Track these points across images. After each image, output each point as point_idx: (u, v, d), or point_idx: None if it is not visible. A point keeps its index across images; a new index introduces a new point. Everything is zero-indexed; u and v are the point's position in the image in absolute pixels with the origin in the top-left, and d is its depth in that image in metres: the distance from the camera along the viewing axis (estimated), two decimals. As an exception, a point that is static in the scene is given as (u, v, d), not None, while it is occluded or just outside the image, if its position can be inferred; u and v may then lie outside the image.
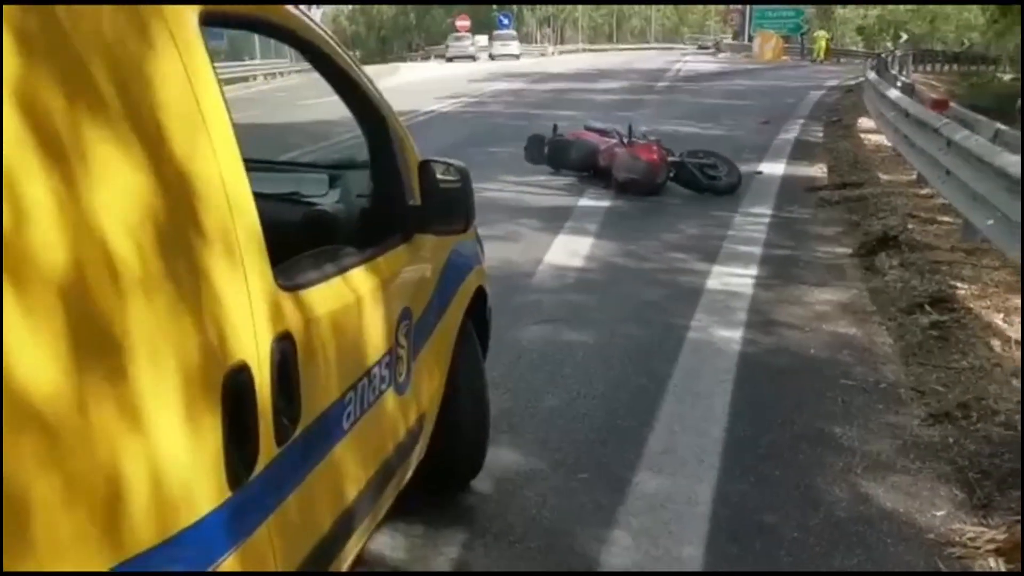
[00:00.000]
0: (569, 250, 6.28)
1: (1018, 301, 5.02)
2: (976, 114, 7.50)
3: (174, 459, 1.24)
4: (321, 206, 2.51)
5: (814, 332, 4.62)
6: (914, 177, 8.62)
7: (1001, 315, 4.81)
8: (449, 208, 2.34)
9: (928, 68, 33.43)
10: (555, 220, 7.19)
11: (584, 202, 7.95)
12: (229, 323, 1.40)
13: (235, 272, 1.45)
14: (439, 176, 2.35)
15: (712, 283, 5.47)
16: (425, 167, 2.33)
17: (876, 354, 4.31)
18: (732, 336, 4.55)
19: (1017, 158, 4.64)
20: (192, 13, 1.47)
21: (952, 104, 7.58)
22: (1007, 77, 29.26)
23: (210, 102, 1.45)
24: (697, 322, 4.76)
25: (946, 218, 7.11)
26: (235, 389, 1.38)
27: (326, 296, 1.83)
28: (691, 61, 37.97)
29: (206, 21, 1.50)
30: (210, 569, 1.33)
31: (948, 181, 6.24)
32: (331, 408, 1.81)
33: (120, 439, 1.14)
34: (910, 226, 6.83)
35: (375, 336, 2.09)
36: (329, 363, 1.80)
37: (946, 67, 36.03)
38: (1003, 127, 6.27)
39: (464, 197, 2.35)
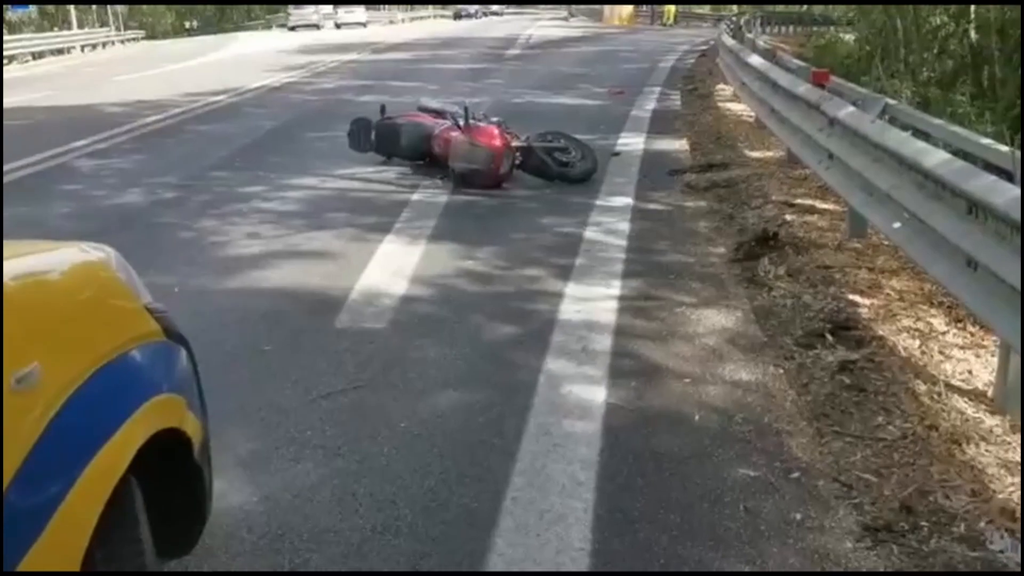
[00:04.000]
0: (393, 267, 5.02)
1: (933, 320, 4.12)
2: (852, 84, 6.66)
3: None
4: None
5: (696, 384, 3.55)
6: (783, 154, 7.79)
7: (917, 342, 3.88)
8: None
9: (775, 31, 33.66)
10: (379, 224, 5.91)
11: (418, 197, 6.69)
12: None
13: None
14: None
15: (568, 310, 4.33)
16: None
17: (778, 418, 3.27)
18: (592, 399, 3.42)
19: (933, 150, 3.69)
20: None
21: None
22: (848, 37, 29.75)
23: None
24: (548, 377, 3.61)
25: (826, 205, 6.26)
26: None
27: None
28: (543, 26, 36.98)
29: None
30: None
31: (833, 167, 5.33)
32: None
33: None
34: (788, 217, 5.92)
35: None
36: None
37: (789, 29, 36.44)
38: (891, 101, 5.40)
39: None
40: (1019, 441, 2.99)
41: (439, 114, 7.83)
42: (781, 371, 3.66)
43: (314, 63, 19.15)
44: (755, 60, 8.84)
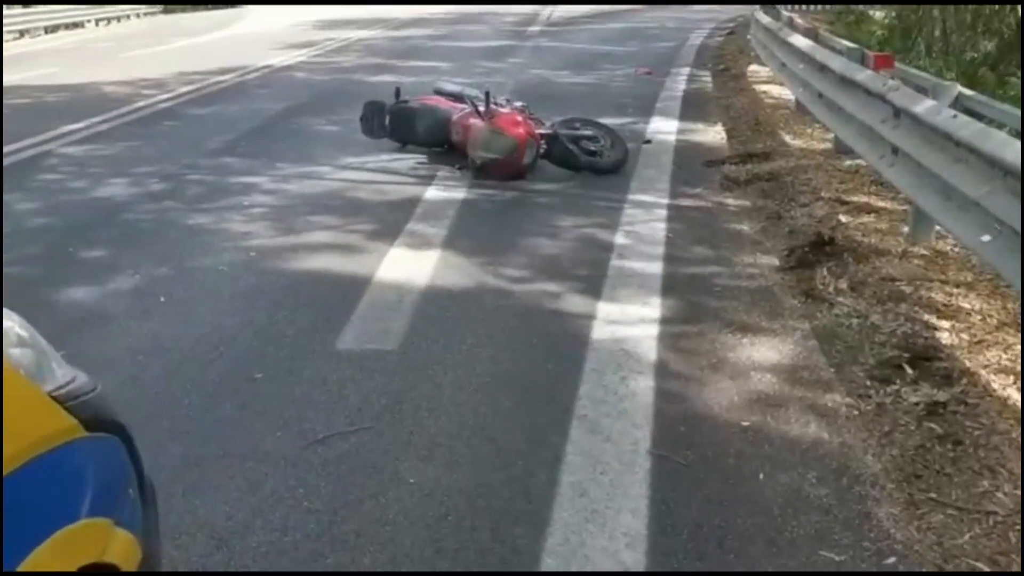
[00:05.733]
0: (404, 276, 4.49)
1: (1025, 349, 3.56)
2: (915, 70, 6.04)
3: None
4: None
5: (756, 431, 3.02)
6: (830, 144, 7.19)
7: (1011, 379, 3.33)
8: None
9: (803, 7, 32.73)
10: (391, 223, 5.38)
11: (432, 192, 6.14)
12: None
13: None
14: None
15: (600, 335, 3.78)
16: None
17: (859, 478, 2.73)
18: (635, 448, 2.90)
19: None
20: None
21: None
22: (877, 15, 28.83)
23: None
24: (581, 420, 3.08)
25: (882, 203, 5.68)
26: None
27: None
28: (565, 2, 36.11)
29: None
30: None
31: (898, 164, 4.74)
32: None
33: None
34: (842, 218, 5.35)
35: None
36: None
37: (816, 7, 35.46)
38: (965, 90, 4.80)
39: None
40: None
41: (457, 98, 7.26)
42: (856, 413, 3.12)
43: (328, 40, 18.54)
44: (798, 40, 8.20)
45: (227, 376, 3.43)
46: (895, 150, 4.83)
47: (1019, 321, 3.80)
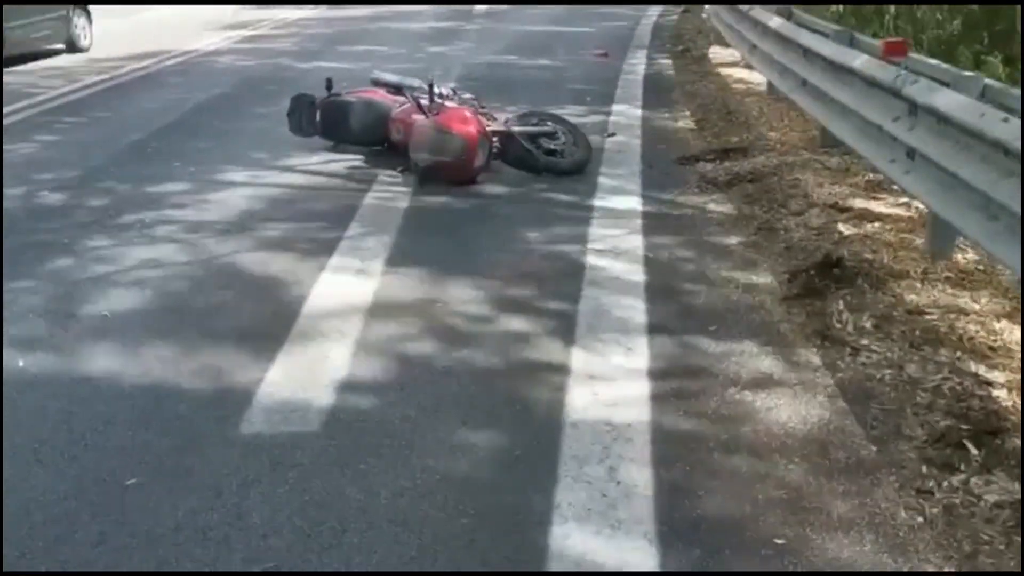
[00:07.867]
0: (332, 322, 3.64)
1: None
2: (934, 60, 5.30)
3: None
4: None
5: (793, 550, 2.27)
6: (813, 135, 6.50)
7: (1102, 457, 2.63)
8: None
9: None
10: (319, 244, 4.54)
11: (370, 202, 5.29)
12: None
13: None
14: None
15: (578, 399, 2.98)
16: None
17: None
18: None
19: None
20: None
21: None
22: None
23: None
24: (562, 538, 2.30)
25: (884, 208, 4.99)
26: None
27: None
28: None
29: None
30: None
31: (916, 171, 4.03)
32: None
33: None
34: (843, 229, 4.64)
35: None
36: None
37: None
38: (990, 81, 4.10)
39: None
40: None
41: (397, 90, 6.40)
42: (920, 521, 2.39)
43: (262, 20, 17.39)
44: (773, 21, 7.47)
45: (87, 485, 2.57)
46: (911, 153, 4.12)
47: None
